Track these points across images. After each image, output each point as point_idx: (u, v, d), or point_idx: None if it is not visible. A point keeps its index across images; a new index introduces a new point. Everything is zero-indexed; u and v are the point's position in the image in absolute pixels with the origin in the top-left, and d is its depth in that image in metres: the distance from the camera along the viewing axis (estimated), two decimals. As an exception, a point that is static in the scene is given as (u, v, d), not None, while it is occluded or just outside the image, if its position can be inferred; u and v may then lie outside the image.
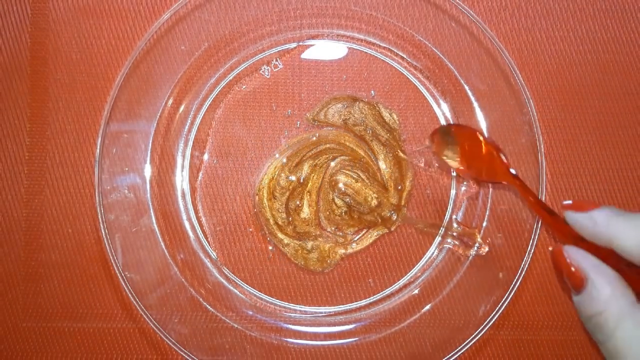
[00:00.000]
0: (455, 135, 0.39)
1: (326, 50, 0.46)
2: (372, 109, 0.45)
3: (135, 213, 0.43)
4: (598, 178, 0.45)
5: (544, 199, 0.40)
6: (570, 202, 0.31)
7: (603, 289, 0.28)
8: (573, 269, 0.29)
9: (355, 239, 0.45)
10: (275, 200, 0.45)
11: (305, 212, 0.45)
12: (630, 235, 0.27)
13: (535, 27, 0.46)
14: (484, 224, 0.44)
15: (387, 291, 0.45)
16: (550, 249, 0.31)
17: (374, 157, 0.45)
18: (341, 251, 0.45)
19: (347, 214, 0.45)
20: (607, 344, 0.27)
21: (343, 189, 0.44)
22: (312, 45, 0.46)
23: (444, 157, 0.41)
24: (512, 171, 0.37)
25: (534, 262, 0.45)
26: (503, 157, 0.37)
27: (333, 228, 0.45)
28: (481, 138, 0.38)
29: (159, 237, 0.43)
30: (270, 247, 0.45)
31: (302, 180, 0.45)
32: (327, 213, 0.45)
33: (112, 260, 0.40)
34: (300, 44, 0.45)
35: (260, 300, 0.44)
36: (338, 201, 0.45)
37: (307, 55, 0.46)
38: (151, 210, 0.44)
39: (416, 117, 0.45)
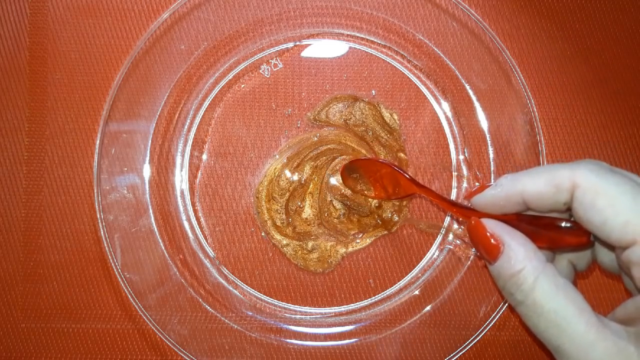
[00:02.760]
0: (358, 168, 0.43)
1: (326, 49, 0.45)
2: (372, 109, 0.45)
3: (134, 213, 0.43)
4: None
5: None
6: (473, 189, 0.35)
7: (519, 250, 0.30)
8: (492, 239, 0.31)
9: (358, 238, 0.45)
10: (274, 201, 0.44)
11: (307, 212, 0.45)
12: (536, 181, 0.31)
13: (536, 27, 0.46)
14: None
15: (388, 292, 0.44)
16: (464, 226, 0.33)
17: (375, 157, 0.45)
18: (342, 250, 0.44)
19: (346, 216, 0.44)
20: (526, 301, 0.29)
21: (342, 190, 0.44)
22: (312, 44, 0.45)
23: (359, 191, 0.44)
24: (409, 178, 0.40)
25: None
26: (403, 173, 0.40)
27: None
28: (380, 162, 0.42)
29: (158, 237, 0.43)
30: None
31: (303, 181, 0.44)
32: (325, 216, 0.44)
33: (112, 261, 0.40)
34: (298, 43, 0.45)
35: (260, 300, 0.44)
36: (336, 203, 0.45)
37: (307, 54, 0.45)
38: (150, 210, 0.43)
39: (417, 116, 0.45)
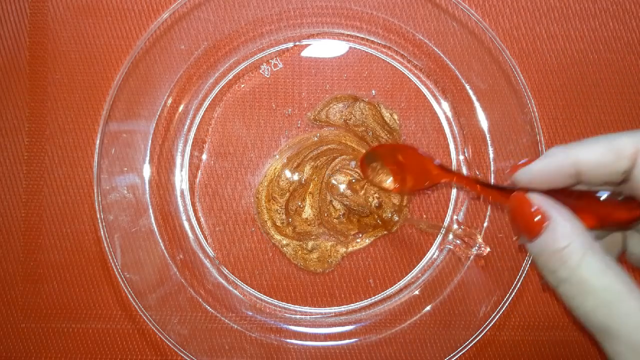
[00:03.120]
0: (379, 156, 0.40)
1: (326, 49, 0.45)
2: (372, 109, 0.45)
3: (134, 213, 0.43)
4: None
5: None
6: (518, 163, 0.32)
7: (565, 225, 0.29)
8: (536, 214, 0.29)
9: (358, 238, 0.45)
10: (274, 202, 0.44)
11: (307, 212, 0.45)
12: (593, 149, 0.29)
13: (536, 27, 0.46)
14: (485, 224, 0.43)
15: (388, 292, 0.44)
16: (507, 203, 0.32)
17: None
18: (342, 250, 0.44)
19: (346, 216, 0.44)
20: (572, 278, 0.28)
21: (341, 190, 0.44)
22: (312, 44, 0.45)
23: (378, 183, 0.41)
24: (439, 164, 0.38)
25: (535, 262, 0.45)
26: (432, 159, 0.37)
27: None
28: (405, 146, 0.40)
29: (158, 237, 0.43)
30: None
31: (303, 182, 0.44)
32: (325, 216, 0.44)
33: (112, 261, 0.40)
34: (297, 43, 0.45)
35: (260, 300, 0.44)
36: (336, 204, 0.44)
37: (307, 54, 0.45)
38: (150, 210, 0.43)
39: (417, 116, 0.45)
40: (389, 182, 0.40)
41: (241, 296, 0.44)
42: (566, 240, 0.28)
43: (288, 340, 0.43)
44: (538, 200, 0.30)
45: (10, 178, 0.45)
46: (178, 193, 0.45)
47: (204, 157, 0.45)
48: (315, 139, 0.45)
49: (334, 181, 0.45)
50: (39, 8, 0.45)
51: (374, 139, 0.45)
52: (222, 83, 0.45)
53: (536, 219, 0.29)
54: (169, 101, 0.44)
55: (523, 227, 0.30)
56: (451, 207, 0.45)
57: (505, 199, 0.32)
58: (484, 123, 0.44)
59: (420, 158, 0.38)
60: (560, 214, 0.29)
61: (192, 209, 0.45)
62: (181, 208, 0.45)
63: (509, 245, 0.43)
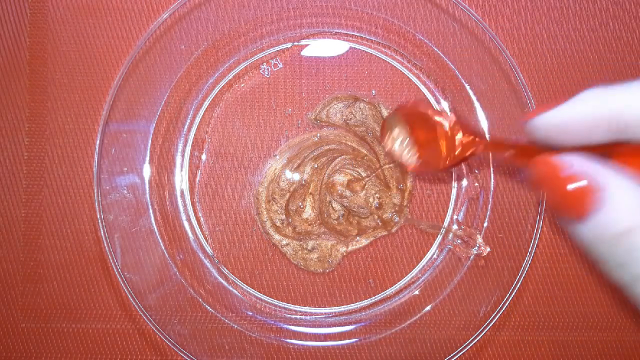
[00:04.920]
0: (406, 121, 0.31)
1: (326, 49, 0.45)
2: (372, 109, 0.45)
3: (134, 213, 0.43)
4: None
5: (545, 199, 0.40)
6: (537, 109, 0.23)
7: (628, 198, 0.20)
8: (579, 182, 0.20)
9: (358, 238, 0.45)
10: (274, 202, 0.44)
11: (308, 212, 0.45)
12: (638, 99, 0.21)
13: (536, 27, 0.46)
14: (485, 224, 0.43)
15: (388, 292, 0.44)
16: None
17: (376, 157, 0.45)
18: (342, 249, 0.44)
19: (345, 217, 0.44)
20: None
21: (340, 191, 0.44)
22: (312, 44, 0.45)
23: (397, 156, 0.33)
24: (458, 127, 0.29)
25: (534, 262, 0.45)
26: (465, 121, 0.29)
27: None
28: (430, 113, 0.30)
29: (158, 237, 0.43)
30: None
31: (304, 182, 0.44)
32: (325, 217, 0.44)
33: (112, 261, 0.40)
34: (297, 43, 0.45)
35: (260, 300, 0.44)
36: (335, 205, 0.44)
37: (307, 54, 0.45)
38: (150, 210, 0.43)
39: (417, 116, 0.45)
40: (410, 156, 0.32)
41: (241, 296, 0.44)
42: (633, 222, 0.20)
43: (288, 340, 0.43)
44: (583, 166, 0.21)
45: (10, 178, 0.45)
46: (178, 193, 0.45)
47: (204, 157, 0.45)
48: (316, 139, 0.45)
49: (333, 181, 0.45)
50: (39, 8, 0.45)
51: (374, 139, 0.45)
52: (222, 83, 0.45)
53: (583, 189, 0.20)
54: (169, 101, 0.44)
55: (564, 204, 0.21)
56: (451, 207, 0.45)
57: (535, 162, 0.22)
58: (484, 123, 0.44)
59: (457, 129, 0.29)
60: (620, 182, 0.20)
61: (192, 209, 0.45)
62: (181, 208, 0.45)
63: (509, 245, 0.43)
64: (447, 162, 0.30)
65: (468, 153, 0.29)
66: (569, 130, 0.22)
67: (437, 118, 0.30)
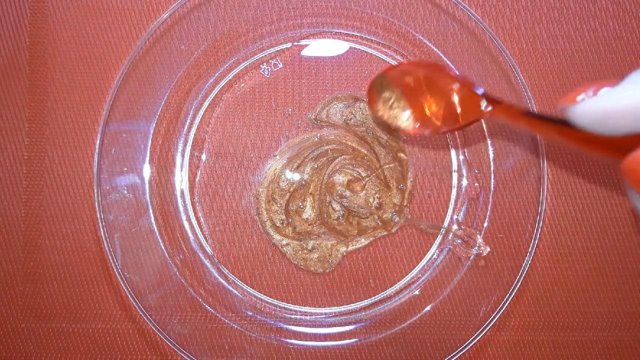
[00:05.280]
0: (394, 82, 0.27)
1: (326, 49, 0.45)
2: (372, 109, 0.45)
3: (134, 213, 0.43)
4: (600, 177, 0.45)
5: (545, 199, 0.40)
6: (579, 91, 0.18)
7: None
8: None
9: (358, 238, 0.45)
10: (274, 202, 0.44)
11: (308, 212, 0.45)
12: None
13: (536, 27, 0.46)
14: (485, 224, 0.43)
15: (388, 292, 0.44)
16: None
17: (376, 157, 0.45)
18: (343, 249, 0.44)
19: (345, 218, 0.44)
20: None
21: (339, 191, 0.44)
22: (312, 44, 0.45)
23: (392, 121, 0.29)
24: (482, 93, 0.25)
25: (534, 262, 0.45)
26: (470, 82, 0.25)
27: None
28: (428, 64, 0.26)
29: (158, 237, 0.43)
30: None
31: (304, 182, 0.44)
32: (325, 217, 0.44)
33: (112, 261, 0.40)
34: (296, 44, 0.45)
35: (260, 300, 0.44)
36: (335, 205, 0.44)
37: (307, 54, 0.45)
38: (150, 210, 0.43)
39: (417, 116, 0.45)
40: (406, 119, 0.29)
41: (241, 296, 0.44)
42: None
43: (288, 340, 0.43)
44: None
45: (10, 178, 0.45)
46: (178, 193, 0.45)
47: (204, 157, 0.45)
48: (316, 139, 0.45)
49: (333, 181, 0.45)
50: (39, 8, 0.45)
51: (374, 139, 0.45)
52: (222, 83, 0.45)
53: None
54: (169, 101, 0.44)
55: None
56: (451, 207, 0.45)
57: (573, 139, 0.19)
58: (484, 123, 0.44)
59: (454, 82, 0.26)
60: None
61: (192, 209, 0.45)
62: (181, 208, 0.45)
63: (509, 245, 0.43)
64: (449, 126, 0.27)
65: (482, 116, 0.25)
66: (618, 118, 0.19)
67: (439, 71, 0.26)
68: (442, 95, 0.27)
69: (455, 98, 0.26)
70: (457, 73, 0.26)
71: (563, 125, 0.21)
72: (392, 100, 0.29)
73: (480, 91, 0.25)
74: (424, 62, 0.28)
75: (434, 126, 0.28)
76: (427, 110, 0.27)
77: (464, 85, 0.26)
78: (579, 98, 0.20)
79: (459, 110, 0.26)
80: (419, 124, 0.28)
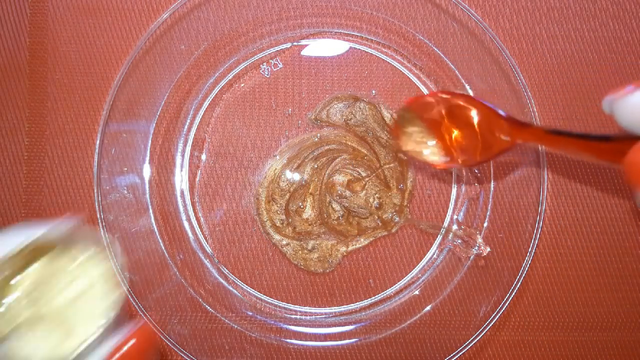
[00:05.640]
0: (420, 115, 0.26)
1: (326, 48, 0.45)
2: (372, 109, 0.45)
3: (134, 213, 0.43)
4: (600, 177, 0.45)
5: (545, 199, 0.40)
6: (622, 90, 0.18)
7: None
8: None
9: (358, 238, 0.45)
10: (274, 202, 0.44)
11: (308, 212, 0.45)
12: None
13: (536, 27, 0.46)
14: (485, 224, 0.43)
15: (388, 292, 0.44)
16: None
17: (376, 157, 0.45)
18: (342, 249, 0.44)
19: (345, 218, 0.44)
20: None
21: (339, 191, 0.44)
22: (312, 44, 0.45)
23: (418, 155, 0.28)
24: (507, 117, 0.23)
25: (534, 262, 0.45)
26: (499, 112, 0.24)
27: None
28: (458, 95, 0.25)
29: (158, 237, 0.43)
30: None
31: (304, 182, 0.44)
32: (325, 217, 0.44)
33: (112, 261, 0.40)
34: (296, 44, 0.45)
35: (260, 300, 0.44)
36: (335, 205, 0.44)
37: (306, 54, 0.45)
38: (150, 210, 0.43)
39: (417, 116, 0.45)
40: (433, 153, 0.27)
41: (241, 296, 0.44)
42: None
43: (288, 340, 0.43)
44: None
45: (10, 178, 0.45)
46: (178, 193, 0.45)
47: (204, 157, 0.45)
48: (316, 139, 0.45)
49: (333, 181, 0.45)
50: (39, 8, 0.45)
51: (374, 139, 0.45)
52: (222, 83, 0.45)
53: None
54: (169, 101, 0.44)
55: None
56: (451, 207, 0.45)
57: (605, 155, 0.19)
58: (484, 123, 0.44)
59: (484, 112, 0.24)
60: None
61: (192, 209, 0.45)
62: (181, 208, 0.45)
63: (509, 245, 0.43)
64: (483, 158, 0.25)
65: (511, 145, 0.24)
66: None
67: (473, 107, 0.25)
68: (467, 128, 0.25)
69: (481, 130, 0.24)
70: (482, 102, 0.24)
71: (590, 139, 0.20)
72: (417, 135, 0.27)
73: (505, 117, 0.23)
74: (447, 93, 0.26)
75: (463, 160, 0.26)
76: (454, 144, 0.26)
77: (488, 116, 0.24)
78: (627, 91, 0.19)
79: (485, 142, 0.24)
80: (447, 159, 0.27)
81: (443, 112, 0.25)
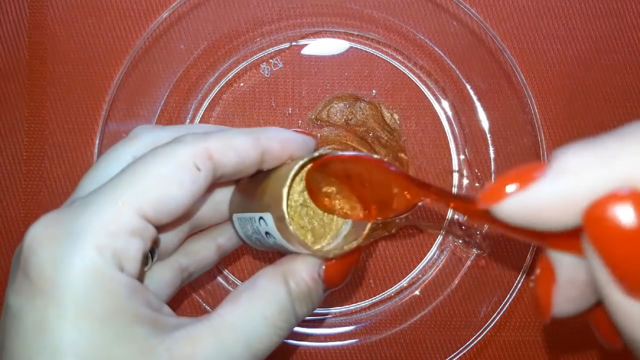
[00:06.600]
0: (331, 174, 0.27)
1: (326, 48, 0.45)
2: (373, 109, 0.45)
3: (134, 213, 0.43)
4: (600, 178, 0.45)
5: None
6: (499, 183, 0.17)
7: None
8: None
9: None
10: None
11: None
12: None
13: (537, 26, 0.46)
14: (486, 224, 0.43)
15: (388, 292, 0.44)
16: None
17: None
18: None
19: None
20: None
21: None
22: (312, 43, 0.45)
23: (338, 212, 0.28)
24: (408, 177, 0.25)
25: (535, 262, 0.45)
26: (399, 171, 0.25)
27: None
28: (360, 157, 0.26)
29: (158, 237, 0.43)
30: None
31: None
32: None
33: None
34: (295, 43, 0.45)
35: (260, 301, 0.44)
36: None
37: (307, 53, 0.45)
38: (150, 210, 0.43)
39: (417, 116, 0.45)
40: (352, 209, 0.28)
41: (241, 296, 0.44)
42: None
43: (287, 341, 0.42)
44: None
45: (9, 178, 0.45)
46: (178, 193, 0.45)
47: (204, 157, 0.45)
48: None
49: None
50: (39, 8, 0.45)
51: (375, 139, 0.45)
52: (222, 82, 0.45)
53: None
54: (169, 101, 0.44)
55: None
56: (451, 207, 0.45)
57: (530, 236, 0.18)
58: (484, 123, 0.44)
59: (382, 172, 0.25)
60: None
61: (191, 209, 0.45)
62: (181, 208, 0.45)
63: (510, 245, 0.42)
64: (388, 213, 0.26)
65: (417, 201, 0.24)
66: (546, 213, 0.16)
67: (378, 159, 0.27)
68: (374, 186, 0.26)
69: (384, 188, 0.25)
70: (385, 163, 0.25)
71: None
72: (333, 192, 0.28)
73: (407, 178, 0.24)
74: (352, 156, 0.27)
75: (379, 215, 0.27)
76: (366, 200, 0.27)
77: (392, 176, 0.25)
78: (506, 191, 0.17)
79: (389, 198, 0.25)
80: (364, 213, 0.27)
81: (349, 172, 0.27)
